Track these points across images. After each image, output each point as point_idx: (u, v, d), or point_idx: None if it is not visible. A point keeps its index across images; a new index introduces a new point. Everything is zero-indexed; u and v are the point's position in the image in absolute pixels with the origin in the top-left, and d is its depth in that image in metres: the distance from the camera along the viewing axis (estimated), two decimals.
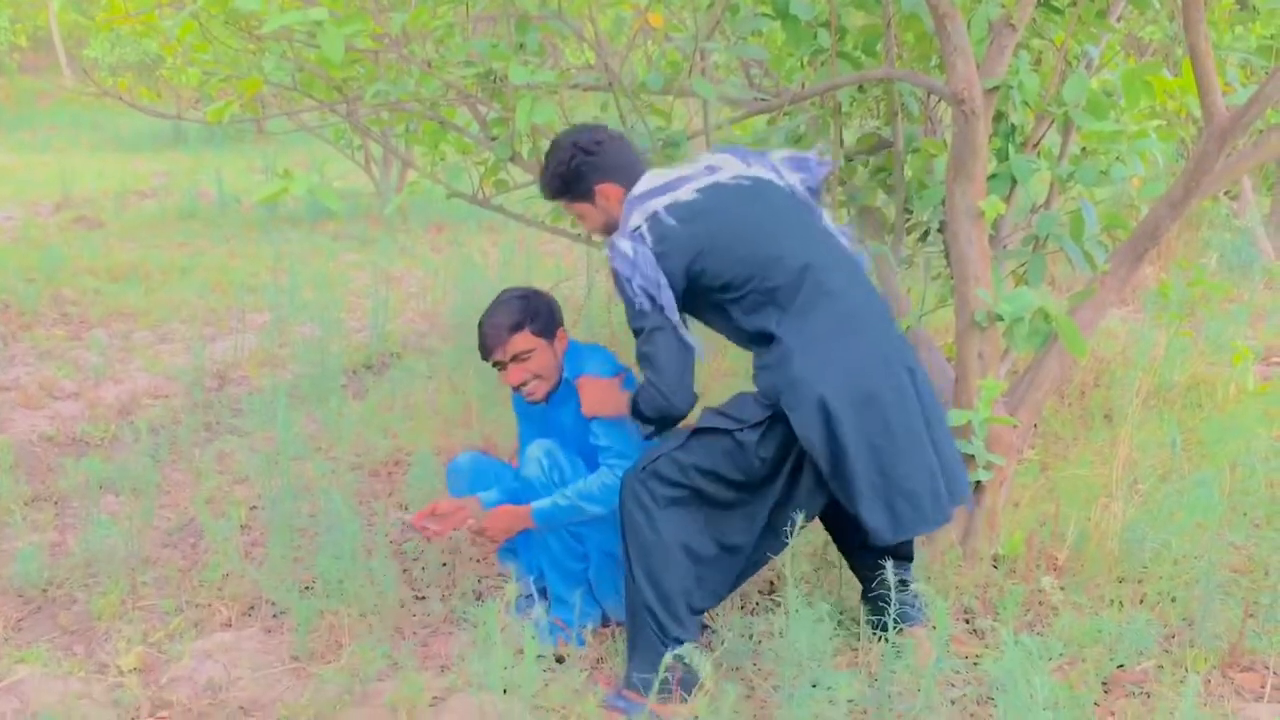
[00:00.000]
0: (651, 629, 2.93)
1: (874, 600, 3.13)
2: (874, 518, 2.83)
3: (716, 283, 2.88)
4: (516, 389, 3.29)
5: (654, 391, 2.90)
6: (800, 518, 2.85)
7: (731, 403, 2.97)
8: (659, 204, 2.90)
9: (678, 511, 2.93)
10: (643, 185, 2.96)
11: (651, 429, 3.02)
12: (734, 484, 2.93)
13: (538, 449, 3.22)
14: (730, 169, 3.01)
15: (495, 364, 3.27)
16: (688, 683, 2.90)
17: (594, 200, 3.04)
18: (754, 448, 2.88)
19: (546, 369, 3.25)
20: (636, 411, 2.99)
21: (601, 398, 3.16)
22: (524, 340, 3.21)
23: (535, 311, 3.24)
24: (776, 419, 2.85)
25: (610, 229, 3.05)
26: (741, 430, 2.88)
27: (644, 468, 2.95)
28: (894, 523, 2.85)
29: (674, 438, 2.98)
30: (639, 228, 2.88)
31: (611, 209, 3.03)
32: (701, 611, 3.03)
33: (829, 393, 2.77)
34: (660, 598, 2.92)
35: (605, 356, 3.29)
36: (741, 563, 3.02)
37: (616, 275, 2.89)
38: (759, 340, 2.90)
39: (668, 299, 2.86)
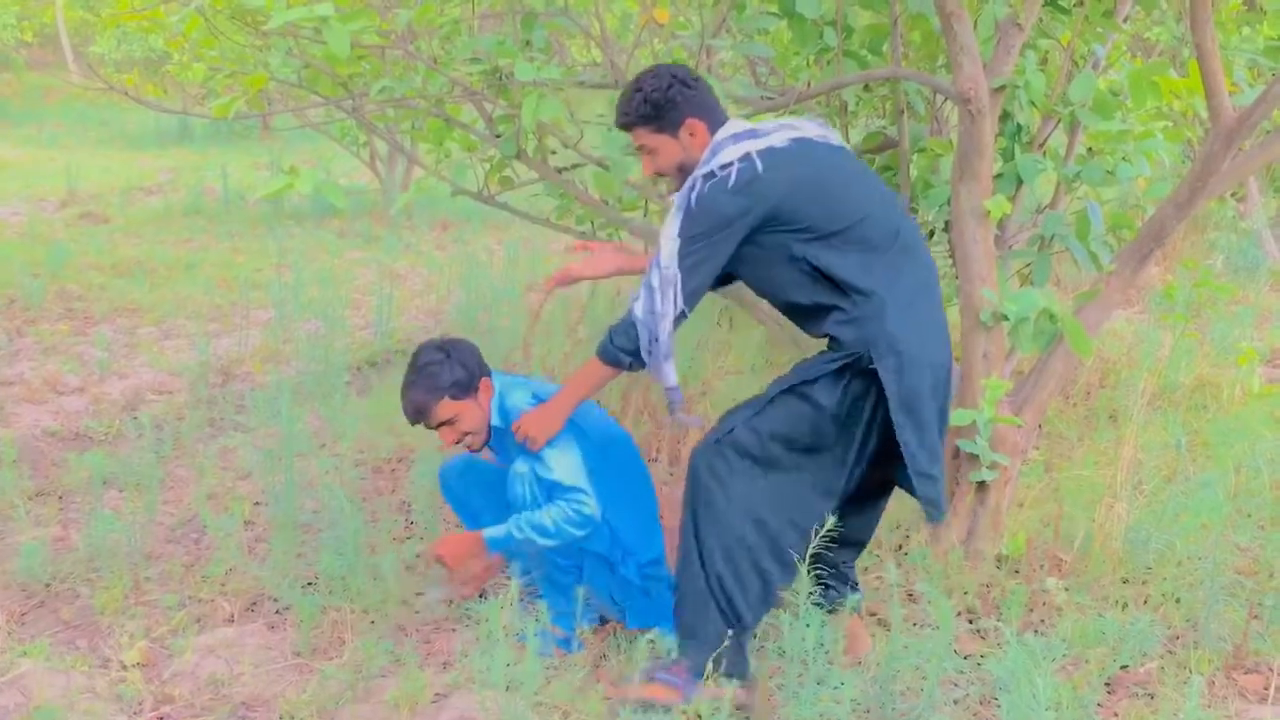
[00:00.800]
0: (719, 605, 2.88)
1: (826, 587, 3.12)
2: (928, 488, 2.87)
3: (801, 224, 2.80)
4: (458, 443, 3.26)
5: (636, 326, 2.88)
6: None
7: (798, 368, 2.91)
8: (753, 146, 2.82)
9: (753, 483, 2.87)
10: (733, 128, 2.89)
11: (628, 359, 2.93)
12: (810, 452, 2.87)
13: (525, 466, 3.14)
14: (812, 130, 2.94)
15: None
16: (732, 672, 2.85)
17: (678, 134, 2.92)
18: (832, 408, 2.83)
19: (474, 425, 3.20)
20: (610, 344, 2.93)
21: (543, 426, 3.07)
22: (443, 410, 3.15)
23: (450, 379, 3.15)
24: (854, 376, 2.82)
25: (678, 170, 2.95)
26: (816, 385, 2.83)
27: (718, 439, 2.90)
28: (942, 500, 2.92)
29: (748, 407, 2.93)
30: (729, 165, 2.80)
31: (692, 147, 2.91)
32: (777, 594, 2.92)
33: (917, 352, 2.78)
34: (734, 572, 2.87)
35: (527, 396, 3.21)
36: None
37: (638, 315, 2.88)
38: (842, 291, 2.82)
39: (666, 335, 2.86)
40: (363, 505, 4.10)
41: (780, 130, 2.89)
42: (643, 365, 2.94)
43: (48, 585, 3.61)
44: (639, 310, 2.87)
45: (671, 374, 2.94)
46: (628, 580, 3.24)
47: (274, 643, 3.30)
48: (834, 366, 2.82)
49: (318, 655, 3.24)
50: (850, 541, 3.11)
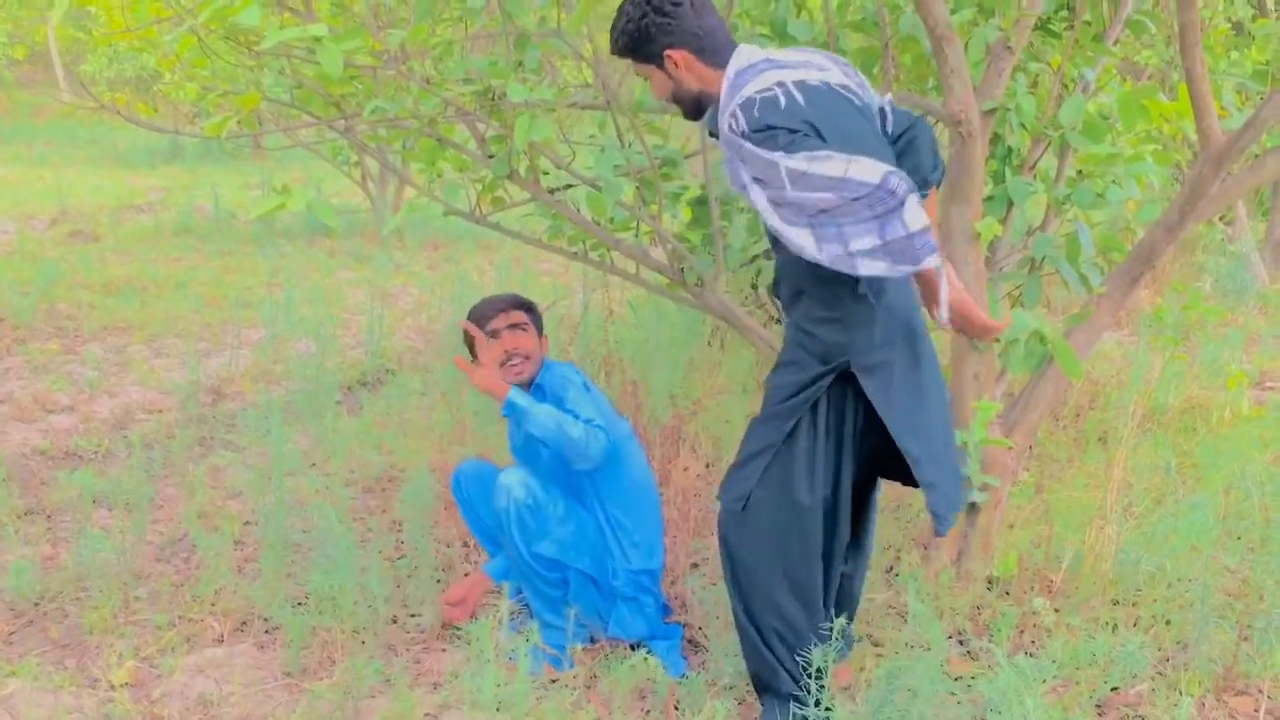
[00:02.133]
0: (777, 657, 2.85)
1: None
2: (937, 500, 2.75)
3: None
4: (505, 360, 3.27)
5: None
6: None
7: (774, 399, 2.78)
8: (788, 76, 2.54)
9: (782, 536, 2.80)
10: (745, 58, 2.61)
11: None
12: (822, 482, 2.78)
13: (512, 478, 3.16)
14: (833, 75, 2.66)
15: (490, 332, 3.28)
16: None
17: (663, 66, 2.68)
18: (820, 432, 2.73)
19: (532, 350, 3.31)
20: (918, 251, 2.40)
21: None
22: (522, 316, 3.33)
23: (531, 304, 3.39)
24: (831, 390, 2.69)
25: (681, 99, 2.73)
26: (802, 409, 2.70)
27: (744, 508, 2.81)
28: (950, 506, 2.78)
29: (752, 459, 2.83)
30: (768, 89, 2.51)
31: (684, 78, 2.68)
32: (824, 623, 2.87)
33: (896, 362, 2.67)
34: (783, 620, 2.83)
35: (563, 379, 3.28)
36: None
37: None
38: (835, 283, 2.60)
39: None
40: (353, 525, 4.09)
41: (806, 65, 2.62)
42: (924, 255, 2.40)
43: (36, 604, 3.59)
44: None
45: (914, 218, 2.37)
46: (615, 589, 3.25)
47: (263, 662, 3.29)
48: (820, 390, 2.70)
49: (307, 675, 3.22)
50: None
